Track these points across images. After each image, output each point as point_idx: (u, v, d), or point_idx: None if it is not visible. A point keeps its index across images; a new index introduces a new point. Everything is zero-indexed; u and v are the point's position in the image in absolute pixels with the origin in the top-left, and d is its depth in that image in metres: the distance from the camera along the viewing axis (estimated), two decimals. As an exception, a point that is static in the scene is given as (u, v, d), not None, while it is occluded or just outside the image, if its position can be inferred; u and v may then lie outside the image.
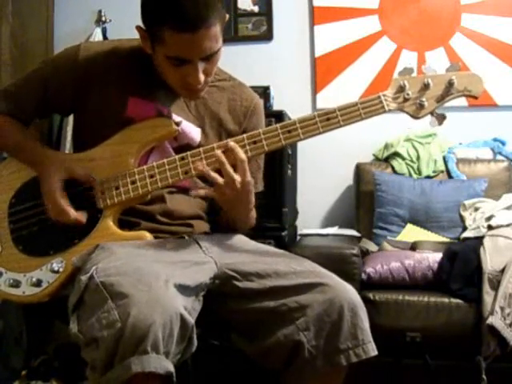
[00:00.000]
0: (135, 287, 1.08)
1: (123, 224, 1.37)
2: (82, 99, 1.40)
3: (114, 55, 1.41)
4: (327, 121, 1.30)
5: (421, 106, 1.30)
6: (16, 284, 1.34)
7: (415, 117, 1.31)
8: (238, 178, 1.27)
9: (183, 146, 1.41)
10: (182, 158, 1.33)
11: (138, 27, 1.31)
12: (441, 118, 1.32)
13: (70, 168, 1.35)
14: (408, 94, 1.30)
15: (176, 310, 1.07)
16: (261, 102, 1.55)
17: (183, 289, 1.16)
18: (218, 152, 1.29)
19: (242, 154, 1.28)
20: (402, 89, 1.30)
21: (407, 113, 1.31)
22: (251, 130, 1.46)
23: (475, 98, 1.31)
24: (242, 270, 1.30)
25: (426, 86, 1.29)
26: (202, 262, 1.31)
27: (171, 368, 1.05)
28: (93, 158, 1.37)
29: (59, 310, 1.25)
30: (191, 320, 1.11)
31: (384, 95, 1.30)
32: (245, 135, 1.32)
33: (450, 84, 1.29)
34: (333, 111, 1.30)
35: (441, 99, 1.30)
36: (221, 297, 1.30)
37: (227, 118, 1.47)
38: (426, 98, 1.30)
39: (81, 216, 1.33)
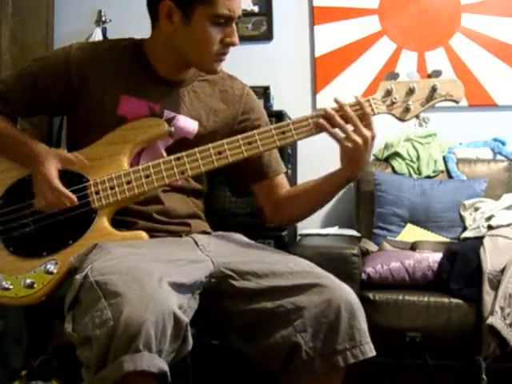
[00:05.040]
0: (128, 286, 1.08)
1: (120, 224, 1.37)
2: (73, 99, 1.40)
3: (107, 54, 1.42)
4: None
5: (407, 110, 1.37)
6: (7, 286, 1.31)
7: (401, 119, 1.38)
8: (368, 132, 1.32)
9: (180, 140, 1.42)
10: (178, 159, 1.34)
11: (163, 4, 1.33)
12: (425, 121, 1.39)
13: (62, 156, 1.36)
14: (395, 98, 1.36)
15: (169, 308, 1.07)
16: (251, 90, 1.57)
17: (178, 287, 1.16)
18: (331, 111, 1.33)
19: (368, 109, 1.34)
20: (389, 93, 1.37)
21: (394, 115, 1.38)
22: (249, 112, 1.50)
23: (456, 102, 1.39)
24: (239, 269, 1.30)
25: (411, 91, 1.36)
26: (198, 259, 1.31)
27: (165, 366, 1.05)
28: (85, 158, 1.37)
29: (59, 310, 1.24)
30: (185, 318, 1.10)
31: (373, 98, 1.36)
32: (239, 136, 1.35)
33: (434, 89, 1.37)
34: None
35: (425, 103, 1.37)
36: (218, 296, 1.30)
37: (222, 108, 1.48)
38: (412, 102, 1.37)
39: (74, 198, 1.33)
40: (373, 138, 1.33)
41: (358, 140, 1.31)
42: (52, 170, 1.34)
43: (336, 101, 1.34)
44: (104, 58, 1.41)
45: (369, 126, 1.32)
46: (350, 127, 1.32)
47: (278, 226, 2.58)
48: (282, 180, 1.53)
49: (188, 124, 1.43)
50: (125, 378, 1.01)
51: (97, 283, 1.11)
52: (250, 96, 1.53)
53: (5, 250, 1.35)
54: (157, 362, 1.03)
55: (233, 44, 1.36)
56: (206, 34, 1.33)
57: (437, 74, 1.38)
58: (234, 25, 1.35)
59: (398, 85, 1.37)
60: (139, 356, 1.01)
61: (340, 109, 1.33)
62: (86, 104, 1.40)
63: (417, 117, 1.38)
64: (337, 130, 1.33)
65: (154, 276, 1.12)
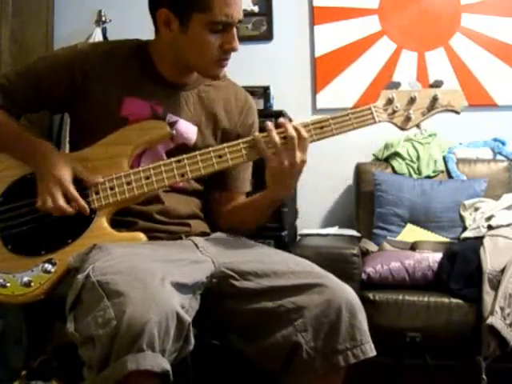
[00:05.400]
0: (131, 285, 1.08)
1: (120, 224, 1.37)
2: (76, 97, 1.40)
3: (111, 55, 1.42)
4: (321, 129, 1.35)
5: (408, 119, 1.38)
6: (4, 284, 1.30)
7: (402, 128, 1.39)
8: (299, 154, 1.31)
9: (179, 145, 1.42)
10: (178, 161, 1.35)
11: (160, 12, 1.33)
12: (424, 132, 1.42)
13: (76, 168, 1.35)
14: (397, 107, 1.38)
15: (172, 307, 1.07)
16: (254, 101, 1.58)
17: (180, 287, 1.16)
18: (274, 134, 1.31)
19: (304, 133, 1.31)
20: (390, 101, 1.38)
21: (395, 124, 1.39)
22: (245, 128, 1.51)
23: (457, 113, 1.40)
24: (240, 269, 1.30)
25: (412, 100, 1.38)
26: (199, 260, 1.31)
27: (167, 366, 1.04)
28: (86, 158, 1.37)
29: (59, 309, 1.24)
30: (187, 318, 1.11)
31: (375, 107, 1.37)
32: (240, 140, 1.35)
33: (435, 99, 1.38)
34: (326, 120, 1.36)
35: (426, 113, 1.39)
36: (219, 296, 1.30)
37: (223, 117, 1.49)
38: (413, 111, 1.38)
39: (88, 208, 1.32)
40: (302, 162, 1.32)
41: (285, 161, 1.31)
42: (67, 175, 1.32)
43: (279, 122, 1.33)
44: (108, 59, 1.41)
45: (303, 150, 1.31)
46: (281, 147, 1.31)
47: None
48: (240, 197, 1.56)
49: (189, 129, 1.43)
50: (127, 378, 1.01)
51: (99, 283, 1.11)
52: (251, 109, 1.54)
53: (3, 247, 1.34)
54: (160, 362, 1.03)
55: (233, 50, 1.35)
56: (205, 42, 1.33)
57: (438, 83, 1.39)
58: (233, 30, 1.34)
59: (400, 94, 1.38)
60: (142, 356, 1.01)
61: (279, 128, 1.32)
62: (90, 104, 1.40)
63: (417, 126, 1.40)
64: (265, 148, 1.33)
65: (157, 275, 1.12)
